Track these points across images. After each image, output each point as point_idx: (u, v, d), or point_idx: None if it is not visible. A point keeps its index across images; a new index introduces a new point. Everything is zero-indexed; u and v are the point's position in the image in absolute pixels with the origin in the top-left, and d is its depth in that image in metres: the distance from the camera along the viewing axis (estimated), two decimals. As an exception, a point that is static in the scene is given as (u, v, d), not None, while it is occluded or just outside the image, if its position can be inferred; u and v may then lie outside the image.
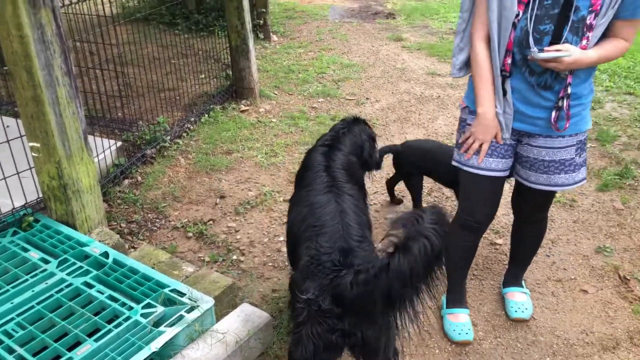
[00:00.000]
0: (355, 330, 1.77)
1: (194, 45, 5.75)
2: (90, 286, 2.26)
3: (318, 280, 1.78)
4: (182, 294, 2.23)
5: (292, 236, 2.16)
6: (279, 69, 5.93)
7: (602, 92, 5.25)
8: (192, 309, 2.16)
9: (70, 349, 1.96)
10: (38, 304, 2.16)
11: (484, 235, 3.18)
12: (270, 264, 2.98)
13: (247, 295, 2.74)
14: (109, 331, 2.02)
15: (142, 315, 2.10)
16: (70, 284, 2.26)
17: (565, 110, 2.05)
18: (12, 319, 2.09)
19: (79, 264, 2.39)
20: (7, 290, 2.21)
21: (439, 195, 3.62)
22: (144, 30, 4.91)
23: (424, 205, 3.38)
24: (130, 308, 2.14)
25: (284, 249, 3.01)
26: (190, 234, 3.21)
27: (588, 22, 1.91)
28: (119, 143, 3.78)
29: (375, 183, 3.73)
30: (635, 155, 4.06)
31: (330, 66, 6.03)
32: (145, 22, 5.96)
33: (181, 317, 2.12)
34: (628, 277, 2.87)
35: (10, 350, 1.95)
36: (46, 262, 2.40)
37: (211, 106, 4.77)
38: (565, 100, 2.03)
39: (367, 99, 5.19)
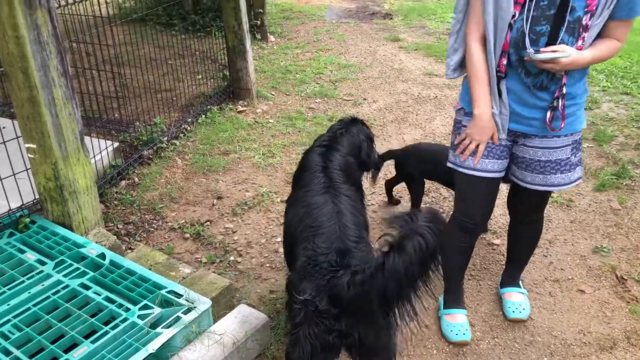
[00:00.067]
0: (353, 330, 1.77)
1: (191, 45, 5.74)
2: (87, 288, 2.26)
3: (315, 281, 1.78)
4: (179, 295, 2.22)
5: (289, 237, 2.16)
6: (276, 69, 5.92)
7: (599, 92, 5.26)
8: (189, 310, 2.15)
9: (66, 351, 1.95)
10: (34, 305, 2.15)
11: (481, 236, 3.19)
12: (268, 265, 2.98)
13: (244, 296, 2.73)
14: (106, 333, 2.02)
15: (139, 316, 2.10)
16: (67, 286, 2.25)
17: (560, 110, 2.06)
18: (9, 320, 2.08)
19: (75, 265, 2.38)
20: (4, 292, 2.20)
21: (436, 196, 3.62)
22: (141, 31, 4.90)
23: (422, 206, 3.38)
24: (127, 309, 2.14)
25: (282, 250, 3.00)
26: (187, 235, 3.20)
27: (584, 22, 1.91)
28: (116, 144, 3.77)
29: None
30: (632, 155, 4.06)
31: (328, 67, 6.03)
32: (142, 23, 5.96)
33: (178, 319, 2.11)
34: (625, 277, 2.87)
35: (7, 352, 1.94)
36: (43, 263, 2.39)
37: (208, 107, 4.76)
38: (560, 100, 2.04)
39: (365, 99, 5.20)
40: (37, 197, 2.71)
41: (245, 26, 4.84)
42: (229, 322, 2.24)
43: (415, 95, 5.31)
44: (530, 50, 1.94)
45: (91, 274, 2.33)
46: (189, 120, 4.52)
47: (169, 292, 2.24)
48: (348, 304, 1.72)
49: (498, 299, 2.74)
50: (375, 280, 1.63)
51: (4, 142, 2.64)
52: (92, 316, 2.12)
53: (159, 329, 2.06)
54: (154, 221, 3.34)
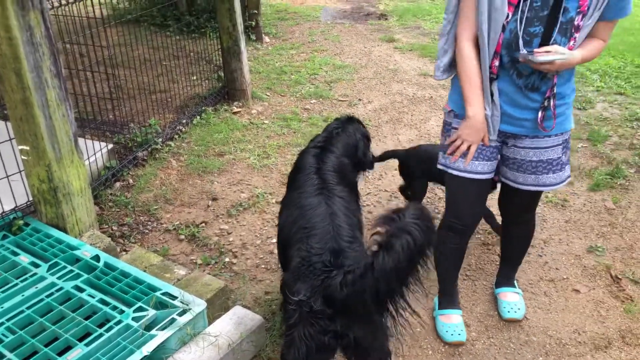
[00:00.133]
0: (348, 331, 1.77)
1: (186, 46, 5.73)
2: (81, 290, 2.25)
3: (309, 282, 1.78)
4: (173, 297, 2.21)
5: (282, 238, 2.16)
6: (271, 70, 5.92)
7: (593, 92, 5.28)
8: (184, 312, 2.15)
9: (60, 354, 1.94)
10: (28, 308, 2.14)
11: (476, 236, 3.19)
12: (263, 266, 2.97)
13: (239, 297, 2.73)
14: (100, 335, 2.01)
15: (134, 318, 2.09)
16: (61, 288, 2.24)
17: (552, 110, 2.07)
18: (2, 323, 2.06)
19: (69, 267, 2.37)
20: (-3, 295, 2.19)
21: (431, 197, 3.63)
22: (135, 31, 4.89)
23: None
24: (122, 312, 2.13)
25: (277, 251, 3.00)
26: (182, 237, 3.19)
27: (576, 23, 1.93)
28: (110, 145, 3.76)
29: (368, 184, 3.73)
30: (626, 155, 4.08)
31: (323, 67, 6.03)
32: (136, 24, 5.94)
33: (173, 321, 2.11)
34: (620, 277, 2.88)
35: (0, 355, 1.93)
36: (36, 266, 2.38)
37: (203, 108, 4.75)
38: (551, 100, 2.06)
39: (360, 100, 5.20)
40: (30, 199, 2.70)
41: (240, 27, 4.84)
42: (224, 323, 2.24)
43: (410, 95, 5.32)
44: (523, 51, 1.95)
45: (85, 276, 2.32)
46: (184, 121, 4.51)
47: (163, 294, 2.23)
48: (342, 304, 1.72)
49: (493, 299, 2.74)
50: (366, 280, 1.63)
51: (-3, 144, 2.62)
52: (86, 318, 2.11)
53: (153, 331, 2.05)
54: (149, 223, 3.33)
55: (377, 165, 3.98)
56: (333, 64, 6.12)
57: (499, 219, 2.82)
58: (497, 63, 2.02)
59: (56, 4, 3.41)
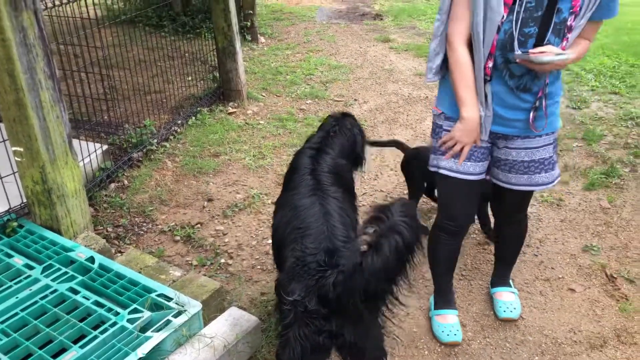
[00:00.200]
0: (342, 331, 1.77)
1: (181, 47, 5.72)
2: (76, 292, 2.23)
3: (304, 282, 1.78)
4: (169, 299, 2.21)
5: (277, 239, 2.16)
6: (266, 70, 5.91)
7: (588, 92, 5.29)
8: (179, 313, 2.14)
9: (55, 356, 1.93)
10: (22, 310, 2.13)
11: (472, 236, 3.20)
12: (259, 267, 2.97)
13: (235, 298, 2.72)
14: (95, 337, 2.00)
15: (129, 320, 2.08)
16: (55, 290, 2.23)
17: (543, 110, 2.08)
18: (-4, 326, 2.05)
19: (64, 269, 2.35)
20: (-9, 297, 2.18)
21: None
22: (130, 32, 4.88)
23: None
24: (117, 313, 2.12)
25: (272, 252, 3.00)
26: (177, 238, 3.19)
27: (568, 23, 1.94)
28: (105, 146, 3.74)
29: (363, 185, 3.73)
30: (620, 154, 4.09)
31: (318, 68, 6.02)
32: (131, 25, 5.92)
33: (168, 322, 2.10)
34: (615, 276, 2.89)
35: (-6, 358, 1.92)
36: (30, 268, 2.36)
37: (198, 108, 4.75)
38: (543, 100, 2.08)
39: (355, 100, 5.20)
40: (24, 200, 2.68)
41: (235, 27, 4.83)
42: (220, 325, 2.23)
43: (405, 95, 5.32)
44: (518, 51, 1.96)
45: (80, 278, 2.31)
46: (179, 122, 4.50)
47: (158, 295, 2.22)
48: (335, 303, 1.72)
49: (489, 299, 2.75)
50: (355, 280, 1.64)
51: (-10, 146, 2.61)
52: (81, 321, 2.10)
53: (148, 333, 2.04)
54: (144, 224, 3.32)
55: (373, 165, 3.98)
56: (329, 64, 6.12)
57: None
58: (490, 64, 2.01)
59: (50, 5, 3.40)
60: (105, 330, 2.03)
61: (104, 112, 4.37)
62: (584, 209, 3.47)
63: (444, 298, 2.59)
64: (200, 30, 6.25)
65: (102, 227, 3.22)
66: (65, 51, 4.03)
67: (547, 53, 1.90)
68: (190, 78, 5.14)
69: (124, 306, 2.17)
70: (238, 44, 4.89)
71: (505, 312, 2.61)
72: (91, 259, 2.42)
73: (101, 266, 2.39)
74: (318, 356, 1.84)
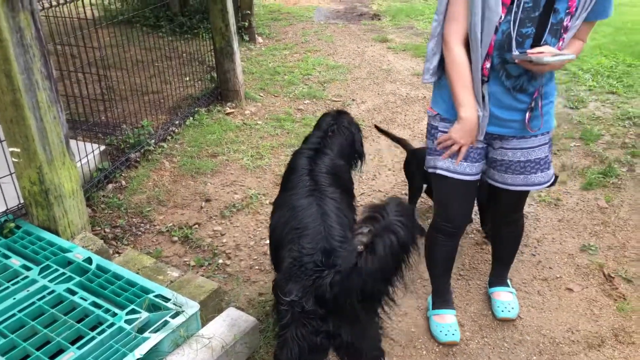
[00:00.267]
0: (340, 331, 1.77)
1: (178, 47, 5.72)
2: (73, 293, 2.23)
3: (301, 282, 1.77)
4: (166, 299, 2.20)
5: (274, 239, 2.15)
6: (264, 71, 5.91)
7: (586, 92, 5.30)
8: (177, 314, 2.13)
9: (52, 357, 1.93)
10: (19, 311, 2.12)
11: (470, 236, 3.20)
12: (257, 267, 2.96)
13: (233, 299, 2.72)
14: (92, 338, 1.99)
15: (126, 321, 2.08)
16: (53, 291, 2.23)
17: (539, 110, 2.10)
18: (-7, 327, 2.05)
19: (61, 270, 2.35)
20: (-12, 298, 2.18)
21: (424, 197, 3.62)
22: (127, 33, 4.87)
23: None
24: (114, 314, 2.11)
25: (269, 252, 3.00)
26: (175, 238, 3.18)
27: (565, 24, 1.95)
28: (103, 147, 3.74)
29: (361, 185, 3.73)
30: (618, 154, 4.10)
31: (316, 68, 6.02)
32: (128, 25, 5.92)
33: (166, 323, 2.10)
34: (612, 275, 2.89)
35: (-9, 360, 1.92)
36: (28, 269, 2.36)
37: (196, 109, 4.74)
38: (539, 100, 2.09)
39: (353, 100, 5.20)
40: (22, 201, 2.68)
41: (233, 28, 4.83)
42: (218, 325, 2.23)
43: (403, 95, 5.32)
44: (516, 52, 1.96)
45: (77, 278, 2.30)
46: (177, 122, 4.50)
47: (156, 296, 2.22)
48: (332, 304, 1.72)
49: (487, 299, 2.75)
50: (351, 281, 1.64)
51: (-13, 146, 2.61)
52: (79, 322, 2.09)
53: (146, 334, 2.04)
54: (142, 224, 3.31)
55: (371, 165, 3.98)
56: (326, 64, 6.12)
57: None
58: (488, 65, 2.01)
59: (47, 5, 3.39)
60: (103, 331, 2.03)
61: (101, 113, 4.36)
62: (582, 209, 3.47)
63: (441, 298, 2.59)
64: (197, 30, 6.24)
65: (99, 228, 3.22)
66: (63, 52, 4.03)
67: (545, 53, 1.90)
68: (187, 78, 5.14)
69: (121, 307, 2.17)
70: (236, 44, 4.89)
71: (503, 312, 2.61)
72: (89, 260, 2.41)
73: (99, 267, 2.38)
74: (316, 356, 1.84)
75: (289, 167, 2.39)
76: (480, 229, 3.26)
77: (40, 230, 2.61)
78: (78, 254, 2.44)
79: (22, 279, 2.29)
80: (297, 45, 6.84)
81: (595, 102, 5.07)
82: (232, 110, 4.89)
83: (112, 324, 2.06)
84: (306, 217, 1.98)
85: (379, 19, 8.30)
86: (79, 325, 2.06)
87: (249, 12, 6.76)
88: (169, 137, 4.30)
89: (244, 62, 5.91)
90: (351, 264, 1.64)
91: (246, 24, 6.78)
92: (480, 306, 2.71)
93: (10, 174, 2.63)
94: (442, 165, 2.23)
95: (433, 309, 2.59)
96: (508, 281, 2.76)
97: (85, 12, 3.74)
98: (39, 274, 2.32)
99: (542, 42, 1.96)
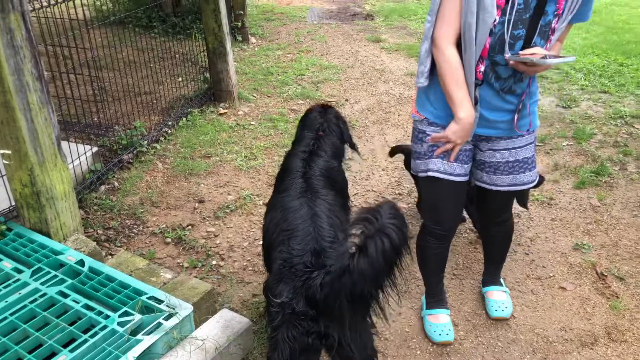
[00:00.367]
0: (331, 331, 1.77)
1: (171, 48, 5.69)
2: (65, 295, 2.22)
3: (291, 283, 1.77)
4: (160, 301, 2.19)
5: (266, 241, 2.15)
6: (257, 71, 5.90)
7: (578, 91, 5.33)
8: (170, 316, 2.13)
9: (44, 361, 1.92)
10: (11, 314, 2.11)
11: (463, 235, 3.21)
12: (250, 269, 2.96)
13: (226, 300, 2.71)
14: (85, 341, 1.98)
15: (119, 323, 2.07)
16: (45, 294, 2.21)
17: (527, 110, 2.11)
18: (-16, 331, 2.03)
19: (53, 272, 2.34)
20: (-21, 302, 2.16)
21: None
22: (120, 33, 4.85)
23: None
24: (107, 317, 2.10)
25: (262, 253, 2.99)
26: (168, 240, 3.17)
27: (552, 25, 1.97)
28: (95, 148, 3.72)
29: (355, 185, 3.73)
30: (610, 153, 4.12)
31: (309, 68, 6.02)
32: (121, 26, 5.89)
33: (159, 325, 2.09)
34: (605, 274, 2.90)
35: (-18, 364, 1.90)
36: (19, 271, 2.34)
37: (189, 109, 4.73)
38: (527, 101, 2.11)
39: (347, 100, 5.20)
40: (13, 203, 2.66)
41: (226, 28, 4.82)
42: (211, 327, 2.22)
43: (397, 95, 5.33)
44: (508, 54, 1.96)
45: (70, 281, 2.29)
46: (170, 123, 4.48)
47: (149, 298, 2.21)
48: (323, 304, 1.72)
49: (481, 298, 2.75)
50: (342, 281, 1.64)
51: (-22, 149, 2.58)
52: (71, 324, 2.08)
53: (139, 336, 2.03)
54: (135, 226, 3.30)
55: (364, 165, 3.98)
56: (320, 65, 6.12)
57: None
58: (482, 68, 2.00)
59: (38, 6, 3.37)
60: (96, 333, 2.02)
61: (93, 114, 4.34)
62: (575, 208, 3.49)
63: (435, 298, 2.59)
64: (190, 31, 6.22)
65: (92, 230, 3.20)
66: (54, 53, 4.00)
67: (537, 55, 1.91)
68: (180, 79, 5.12)
69: (114, 309, 2.16)
70: (229, 45, 4.88)
71: (496, 311, 2.62)
72: (81, 262, 2.40)
73: (91, 269, 2.37)
74: (307, 357, 1.83)
75: (283, 169, 2.38)
76: (473, 228, 3.26)
77: (32, 233, 2.59)
78: (70, 257, 2.43)
79: (14, 282, 2.28)
80: (290, 46, 6.84)
81: (588, 101, 5.10)
82: (226, 110, 4.88)
83: (104, 327, 2.05)
84: (297, 219, 1.98)
85: (372, 19, 8.30)
86: (71, 328, 2.05)
87: (241, 12, 6.75)
88: (161, 138, 4.29)
89: (237, 62, 5.90)
90: (342, 265, 1.63)
91: (239, 24, 6.76)
92: (474, 305, 2.72)
93: (2, 176, 2.61)
94: (434, 167, 2.22)
95: (427, 308, 2.59)
96: (501, 280, 2.76)
97: (77, 13, 3.72)
98: (31, 276, 2.31)
99: (532, 44, 1.97)
